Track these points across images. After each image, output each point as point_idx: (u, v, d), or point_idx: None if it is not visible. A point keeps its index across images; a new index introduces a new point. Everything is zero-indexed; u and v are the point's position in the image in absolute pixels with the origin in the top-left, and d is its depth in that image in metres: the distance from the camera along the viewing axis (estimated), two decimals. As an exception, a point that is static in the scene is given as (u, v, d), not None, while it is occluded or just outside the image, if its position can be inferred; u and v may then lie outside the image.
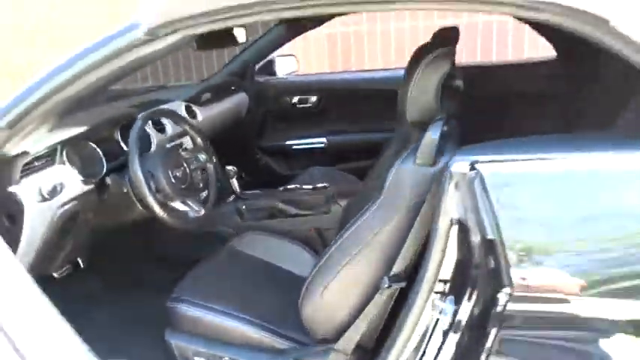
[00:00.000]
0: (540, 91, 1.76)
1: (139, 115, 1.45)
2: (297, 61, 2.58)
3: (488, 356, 0.82)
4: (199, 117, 1.92)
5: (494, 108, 1.67)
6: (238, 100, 2.33)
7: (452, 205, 0.84)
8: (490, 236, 0.78)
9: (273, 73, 2.49)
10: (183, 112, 1.83)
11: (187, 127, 1.67)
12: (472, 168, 0.81)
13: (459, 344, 0.86)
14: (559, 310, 0.79)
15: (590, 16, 0.79)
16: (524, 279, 0.78)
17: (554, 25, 0.83)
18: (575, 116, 1.39)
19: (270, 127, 2.46)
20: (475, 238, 0.81)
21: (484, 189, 0.79)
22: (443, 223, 0.86)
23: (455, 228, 0.85)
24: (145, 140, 1.56)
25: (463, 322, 0.85)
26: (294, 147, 2.42)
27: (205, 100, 2.04)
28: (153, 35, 0.98)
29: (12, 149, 1.15)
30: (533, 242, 0.78)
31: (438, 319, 0.90)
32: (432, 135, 0.96)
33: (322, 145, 2.37)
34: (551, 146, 0.86)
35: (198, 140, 1.68)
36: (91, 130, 1.45)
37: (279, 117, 2.44)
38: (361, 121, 2.28)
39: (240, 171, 2.19)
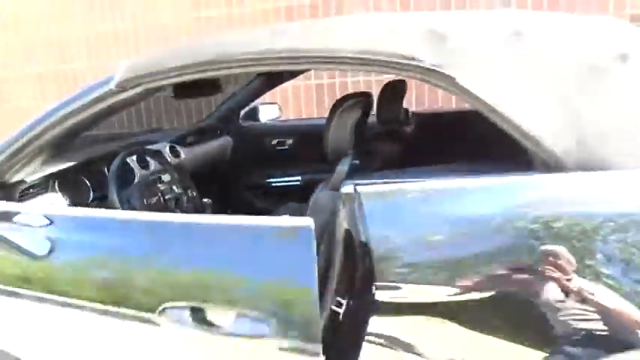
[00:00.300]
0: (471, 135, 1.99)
1: (122, 153, 1.72)
2: (280, 108, 2.87)
3: (367, 340, 1.01)
4: (182, 156, 2.19)
5: (432, 147, 1.90)
6: (223, 142, 2.61)
7: (343, 218, 1.06)
8: (364, 240, 1.00)
9: (257, 119, 2.79)
10: (166, 152, 2.10)
11: (165, 164, 1.94)
12: (354, 189, 1.04)
13: (348, 332, 1.06)
14: (416, 299, 0.99)
15: (440, 74, 1.03)
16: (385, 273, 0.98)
17: (421, 81, 1.08)
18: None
19: (252, 166, 2.72)
20: (356, 242, 1.02)
21: (360, 204, 1.01)
22: (339, 233, 1.08)
23: (346, 236, 1.07)
24: (129, 175, 1.82)
25: (350, 314, 1.05)
26: (273, 184, 2.67)
27: (190, 142, 2.32)
28: (121, 88, 1.25)
29: (11, 178, 1.42)
30: (393, 244, 0.99)
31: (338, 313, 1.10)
32: (341, 167, 1.19)
33: (298, 182, 2.62)
34: (422, 174, 1.08)
35: (175, 175, 1.93)
36: (82, 165, 1.72)
37: (260, 157, 2.70)
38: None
39: (225, 206, 2.43)
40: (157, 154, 1.99)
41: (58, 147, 1.44)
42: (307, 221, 1.01)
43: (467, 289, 0.95)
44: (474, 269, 0.95)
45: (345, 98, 1.38)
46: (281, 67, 1.19)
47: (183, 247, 1.11)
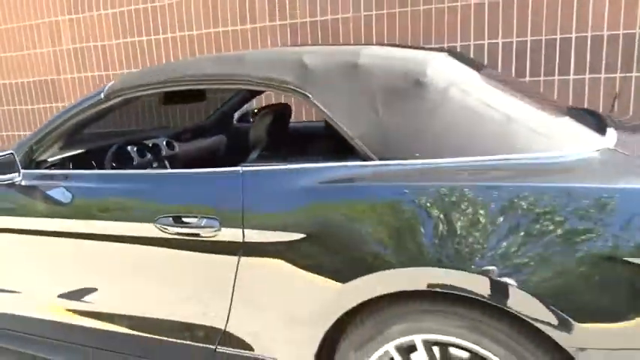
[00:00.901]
0: None
1: (121, 142, 2.30)
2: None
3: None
4: (176, 149, 2.76)
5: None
6: (218, 139, 3.17)
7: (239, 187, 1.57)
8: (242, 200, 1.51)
9: (249, 121, 3.33)
10: (163, 145, 2.68)
11: (159, 155, 2.51)
12: (241, 169, 1.54)
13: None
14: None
15: (301, 93, 1.52)
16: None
17: (293, 96, 1.57)
18: None
19: (242, 160, 3.26)
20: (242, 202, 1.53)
21: (244, 179, 1.52)
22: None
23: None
24: (129, 161, 2.40)
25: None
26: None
27: (186, 138, 2.89)
28: (107, 97, 1.82)
29: (38, 157, 2.02)
30: (255, 202, 1.49)
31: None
32: (252, 155, 1.70)
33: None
34: (293, 161, 1.57)
35: (167, 165, 2.50)
36: (92, 151, 2.31)
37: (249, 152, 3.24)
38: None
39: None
40: (155, 147, 2.57)
41: (70, 137, 2.04)
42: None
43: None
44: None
45: (264, 107, 1.89)
46: (210, 86, 1.72)
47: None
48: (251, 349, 1.55)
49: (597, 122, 1.63)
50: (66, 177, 1.85)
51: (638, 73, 3.38)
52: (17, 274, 1.97)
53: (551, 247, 1.14)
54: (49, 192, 1.85)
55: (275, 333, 1.49)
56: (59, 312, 1.91)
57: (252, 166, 1.54)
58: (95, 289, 1.79)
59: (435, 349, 1.31)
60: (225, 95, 3.07)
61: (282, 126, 1.91)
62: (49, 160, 2.07)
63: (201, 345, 1.63)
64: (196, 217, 1.53)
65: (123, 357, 1.80)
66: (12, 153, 1.88)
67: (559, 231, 1.13)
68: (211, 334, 1.61)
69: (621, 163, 1.25)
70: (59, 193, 1.82)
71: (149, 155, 2.51)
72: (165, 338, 1.69)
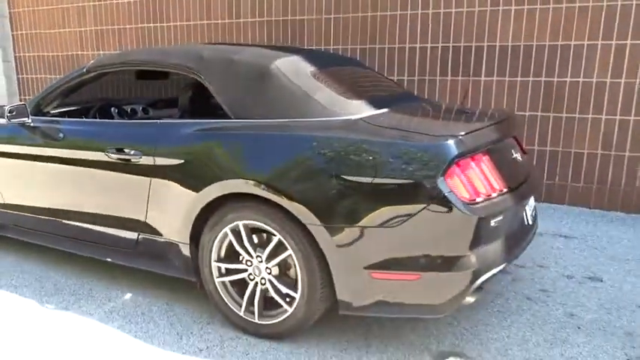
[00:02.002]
0: None
1: (104, 103, 3.24)
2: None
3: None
4: (150, 114, 3.68)
5: None
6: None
7: None
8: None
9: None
10: (139, 109, 3.59)
11: (134, 117, 3.43)
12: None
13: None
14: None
15: (198, 76, 2.40)
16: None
17: (195, 78, 2.45)
18: None
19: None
20: None
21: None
22: None
23: None
24: (110, 118, 3.33)
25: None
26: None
27: (160, 107, 3.81)
28: (88, 71, 2.75)
29: (44, 110, 2.96)
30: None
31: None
32: (170, 115, 2.60)
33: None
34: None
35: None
36: (83, 108, 3.25)
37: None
38: None
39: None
40: (132, 110, 3.50)
41: (65, 97, 2.97)
42: None
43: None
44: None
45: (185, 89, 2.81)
46: (146, 68, 2.63)
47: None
48: (159, 234, 2.45)
49: (385, 102, 2.43)
50: (58, 122, 2.80)
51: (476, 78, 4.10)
52: (21, 186, 2.93)
53: (311, 173, 1.99)
54: (47, 131, 2.79)
55: (171, 223, 2.38)
56: (48, 212, 2.86)
57: (165, 120, 2.45)
58: (69, 196, 2.73)
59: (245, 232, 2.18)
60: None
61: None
62: (51, 111, 3.02)
63: (131, 232, 2.55)
64: (129, 149, 2.44)
65: (82, 243, 2.76)
66: (24, 104, 2.82)
67: (323, 164, 1.97)
68: (137, 225, 2.52)
69: (355, 127, 2.07)
70: (54, 132, 2.76)
71: (125, 117, 3.44)
72: (111, 229, 2.62)
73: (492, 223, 1.94)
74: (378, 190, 1.91)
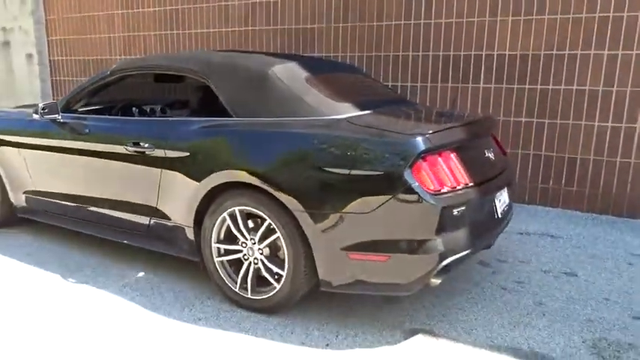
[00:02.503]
0: None
1: (126, 102, 3.58)
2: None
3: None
4: (168, 113, 4.02)
5: None
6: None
7: None
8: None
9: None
10: (157, 109, 3.94)
11: (153, 115, 3.77)
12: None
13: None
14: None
15: (206, 79, 2.72)
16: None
17: (204, 81, 2.76)
18: None
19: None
20: None
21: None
22: None
23: None
24: (131, 116, 3.68)
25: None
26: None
27: (178, 107, 4.15)
28: (111, 75, 3.09)
29: (72, 107, 3.32)
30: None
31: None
32: (183, 113, 2.92)
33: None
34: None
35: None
36: (107, 107, 3.61)
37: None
38: None
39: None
40: (151, 110, 3.84)
41: (91, 97, 3.33)
42: None
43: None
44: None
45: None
46: (161, 72, 2.96)
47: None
48: (169, 218, 2.76)
49: (370, 105, 2.68)
50: (85, 119, 3.15)
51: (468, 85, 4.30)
52: (50, 175, 3.29)
53: (300, 166, 2.27)
54: (74, 126, 3.15)
55: (178, 208, 2.68)
56: (73, 199, 3.21)
57: (175, 117, 2.77)
58: (92, 184, 3.07)
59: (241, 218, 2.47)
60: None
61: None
62: (78, 109, 3.38)
63: (144, 217, 2.87)
64: (144, 142, 2.77)
65: (103, 226, 3.09)
66: (55, 102, 3.19)
67: (307, 157, 2.25)
68: (149, 210, 2.83)
69: (336, 125, 2.34)
70: (80, 127, 3.12)
71: (145, 115, 3.78)
72: (127, 214, 2.95)
73: (455, 212, 2.18)
74: (354, 181, 2.18)
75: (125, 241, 3.01)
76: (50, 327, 2.40)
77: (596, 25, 3.99)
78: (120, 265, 3.12)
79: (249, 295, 2.50)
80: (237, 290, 2.53)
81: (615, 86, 3.99)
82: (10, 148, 3.46)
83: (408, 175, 2.11)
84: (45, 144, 3.27)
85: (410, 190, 2.10)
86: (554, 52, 4.16)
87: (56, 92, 7.39)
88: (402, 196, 2.11)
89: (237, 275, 2.53)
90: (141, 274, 3.00)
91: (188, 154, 2.61)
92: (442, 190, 2.18)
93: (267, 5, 5.41)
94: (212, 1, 5.74)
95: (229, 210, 2.48)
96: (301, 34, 5.27)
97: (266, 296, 2.45)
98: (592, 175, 4.18)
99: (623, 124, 4.01)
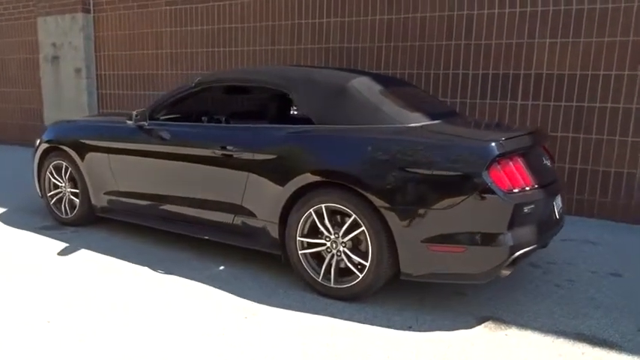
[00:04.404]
0: None
1: (198, 114, 3.91)
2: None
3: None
4: (231, 124, 4.34)
5: None
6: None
7: None
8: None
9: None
10: (222, 119, 4.25)
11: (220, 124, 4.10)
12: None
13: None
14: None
15: (286, 92, 3.04)
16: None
17: (285, 93, 3.09)
18: None
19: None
20: None
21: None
22: None
23: None
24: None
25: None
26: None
27: (241, 118, 4.47)
28: (196, 86, 3.42)
29: (155, 116, 3.65)
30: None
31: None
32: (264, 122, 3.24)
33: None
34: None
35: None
36: (187, 116, 3.94)
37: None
38: None
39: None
40: (218, 119, 4.17)
41: (173, 107, 3.66)
42: None
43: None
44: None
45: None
46: (244, 84, 3.29)
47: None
48: (254, 215, 3.06)
49: (436, 115, 2.98)
50: (168, 125, 3.48)
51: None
52: (136, 177, 3.60)
53: (386, 168, 2.56)
54: (159, 132, 3.47)
55: (265, 206, 2.98)
56: (157, 198, 3.52)
57: (261, 124, 3.09)
58: (175, 184, 3.38)
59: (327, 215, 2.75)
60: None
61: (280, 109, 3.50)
62: (159, 117, 3.70)
63: (228, 214, 3.17)
64: (232, 147, 3.08)
65: (183, 223, 3.39)
66: (144, 110, 3.52)
67: (393, 160, 2.55)
68: (233, 208, 3.13)
69: (416, 132, 2.65)
70: (164, 133, 3.44)
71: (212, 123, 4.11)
72: (210, 211, 3.25)
73: (525, 209, 2.46)
74: (436, 181, 2.47)
75: (206, 237, 3.30)
76: (154, 312, 2.68)
77: (630, 48, 4.30)
78: (200, 259, 3.41)
79: (331, 285, 2.77)
80: (320, 280, 2.80)
81: (648, 104, 4.28)
82: (97, 153, 3.78)
83: (485, 176, 2.40)
84: (132, 148, 3.59)
85: (487, 189, 2.39)
86: (590, 72, 4.46)
87: (102, 104, 7.78)
88: (479, 194, 2.40)
89: (319, 267, 2.81)
90: (221, 267, 3.28)
91: (276, 156, 2.91)
92: (514, 190, 2.47)
93: (314, 25, 5.78)
94: (260, 21, 6.13)
95: (316, 207, 2.77)
96: (345, 52, 5.62)
97: (348, 285, 2.72)
98: (625, 187, 4.44)
99: (656, 140, 4.29)
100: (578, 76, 4.52)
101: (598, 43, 4.41)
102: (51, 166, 4.11)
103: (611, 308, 2.75)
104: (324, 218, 2.77)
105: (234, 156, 3.07)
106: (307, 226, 2.85)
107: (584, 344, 2.37)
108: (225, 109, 4.27)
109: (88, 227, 4.10)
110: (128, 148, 3.61)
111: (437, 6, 5.07)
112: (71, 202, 4.07)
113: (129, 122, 3.61)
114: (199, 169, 3.24)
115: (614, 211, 4.51)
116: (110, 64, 7.58)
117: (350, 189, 2.66)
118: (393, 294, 2.85)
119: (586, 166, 4.59)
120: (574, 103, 4.57)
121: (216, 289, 2.93)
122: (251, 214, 3.07)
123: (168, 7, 6.85)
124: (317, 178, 2.74)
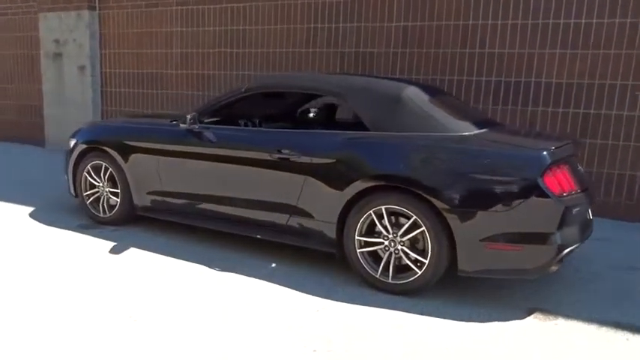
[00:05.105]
0: None
1: (237, 119, 4.06)
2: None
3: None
4: (262, 127, 4.49)
5: None
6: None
7: None
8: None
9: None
10: (257, 123, 4.40)
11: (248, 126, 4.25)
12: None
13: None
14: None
15: (344, 98, 3.23)
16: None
17: (340, 100, 3.28)
18: None
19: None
20: None
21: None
22: None
23: None
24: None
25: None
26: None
27: (271, 121, 4.62)
28: (245, 90, 3.57)
29: (202, 120, 3.78)
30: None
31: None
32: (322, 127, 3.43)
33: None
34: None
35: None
36: (226, 119, 4.06)
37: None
38: None
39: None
40: (252, 124, 4.32)
41: (220, 111, 3.79)
42: None
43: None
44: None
45: (327, 107, 3.62)
46: (299, 91, 3.46)
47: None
48: (311, 216, 3.24)
49: (480, 124, 3.24)
50: (215, 128, 3.62)
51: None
52: (185, 178, 3.73)
53: (449, 173, 2.79)
54: (207, 135, 3.61)
55: (324, 207, 3.16)
56: (206, 198, 3.65)
57: (319, 130, 3.27)
58: (227, 185, 3.52)
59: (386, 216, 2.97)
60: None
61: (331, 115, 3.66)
62: (206, 121, 3.82)
63: (283, 214, 3.34)
64: (290, 150, 3.25)
65: (235, 223, 3.54)
66: (195, 114, 3.65)
67: (455, 166, 2.78)
68: (289, 208, 3.31)
69: (472, 140, 2.90)
70: (212, 135, 3.58)
71: (241, 124, 4.25)
72: (264, 212, 3.41)
73: (573, 211, 2.74)
74: (494, 185, 2.71)
75: (258, 236, 3.47)
76: (231, 309, 2.84)
77: (634, 59, 4.66)
78: (253, 259, 3.56)
79: (389, 281, 2.99)
80: (378, 277, 3.02)
81: (650, 112, 4.65)
82: (144, 154, 3.87)
83: (540, 181, 2.66)
84: (183, 150, 3.70)
85: (542, 193, 2.65)
86: (597, 81, 4.81)
87: (106, 102, 7.76)
88: (534, 197, 2.65)
89: (376, 264, 3.02)
90: (274, 265, 3.45)
91: (334, 161, 3.10)
92: (564, 194, 2.74)
93: (329, 30, 5.96)
94: (275, 24, 6.27)
95: (375, 208, 2.98)
96: (360, 57, 5.83)
97: (406, 281, 2.94)
98: (639, 188, 4.82)
99: (657, 145, 4.67)
100: (585, 84, 4.86)
101: (605, 54, 4.75)
102: (89, 167, 4.18)
103: (637, 299, 3.06)
104: (383, 219, 2.98)
105: (291, 159, 3.25)
106: (365, 226, 3.06)
107: (625, 331, 2.66)
108: (271, 114, 4.43)
109: (126, 226, 4.19)
110: (179, 150, 3.72)
111: (452, 15, 5.33)
112: (109, 201, 4.15)
113: (182, 125, 3.72)
114: (252, 172, 3.40)
115: (629, 211, 4.88)
116: (116, 62, 7.56)
117: (409, 192, 2.88)
118: (445, 290, 3.09)
119: (602, 169, 4.94)
120: (583, 110, 4.91)
121: (277, 286, 3.10)
122: (307, 215, 3.26)
123: (179, 7, 6.90)
124: (379, 182, 2.95)
